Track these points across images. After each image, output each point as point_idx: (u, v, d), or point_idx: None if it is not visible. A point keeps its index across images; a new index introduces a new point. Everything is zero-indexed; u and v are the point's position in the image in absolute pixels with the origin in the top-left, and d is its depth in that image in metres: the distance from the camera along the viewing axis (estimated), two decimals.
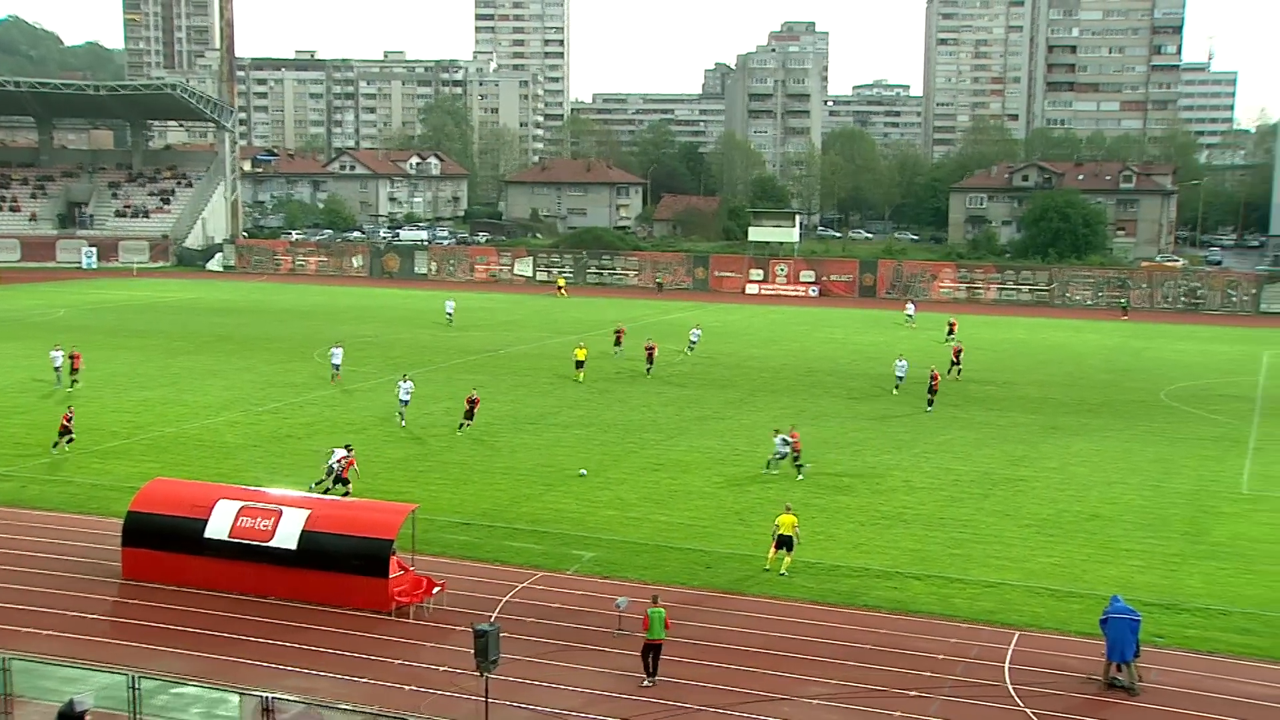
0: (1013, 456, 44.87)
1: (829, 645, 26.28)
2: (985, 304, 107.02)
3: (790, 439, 41.48)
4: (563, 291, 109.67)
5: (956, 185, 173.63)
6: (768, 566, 30.80)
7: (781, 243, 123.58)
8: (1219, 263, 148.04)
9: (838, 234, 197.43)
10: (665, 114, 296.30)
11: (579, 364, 60.23)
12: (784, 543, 30.60)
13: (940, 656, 25.66)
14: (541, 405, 53.31)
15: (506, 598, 28.83)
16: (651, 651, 24.20)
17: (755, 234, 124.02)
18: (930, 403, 53.30)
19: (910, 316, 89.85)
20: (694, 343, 70.51)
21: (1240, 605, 28.93)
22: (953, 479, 41.21)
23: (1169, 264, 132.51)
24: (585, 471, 40.75)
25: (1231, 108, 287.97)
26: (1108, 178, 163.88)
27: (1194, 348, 78.65)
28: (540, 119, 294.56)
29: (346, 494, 35.42)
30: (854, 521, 35.82)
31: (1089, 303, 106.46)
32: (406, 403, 48.63)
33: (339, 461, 36.82)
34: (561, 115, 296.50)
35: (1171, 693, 24.05)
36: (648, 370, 62.00)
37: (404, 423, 47.90)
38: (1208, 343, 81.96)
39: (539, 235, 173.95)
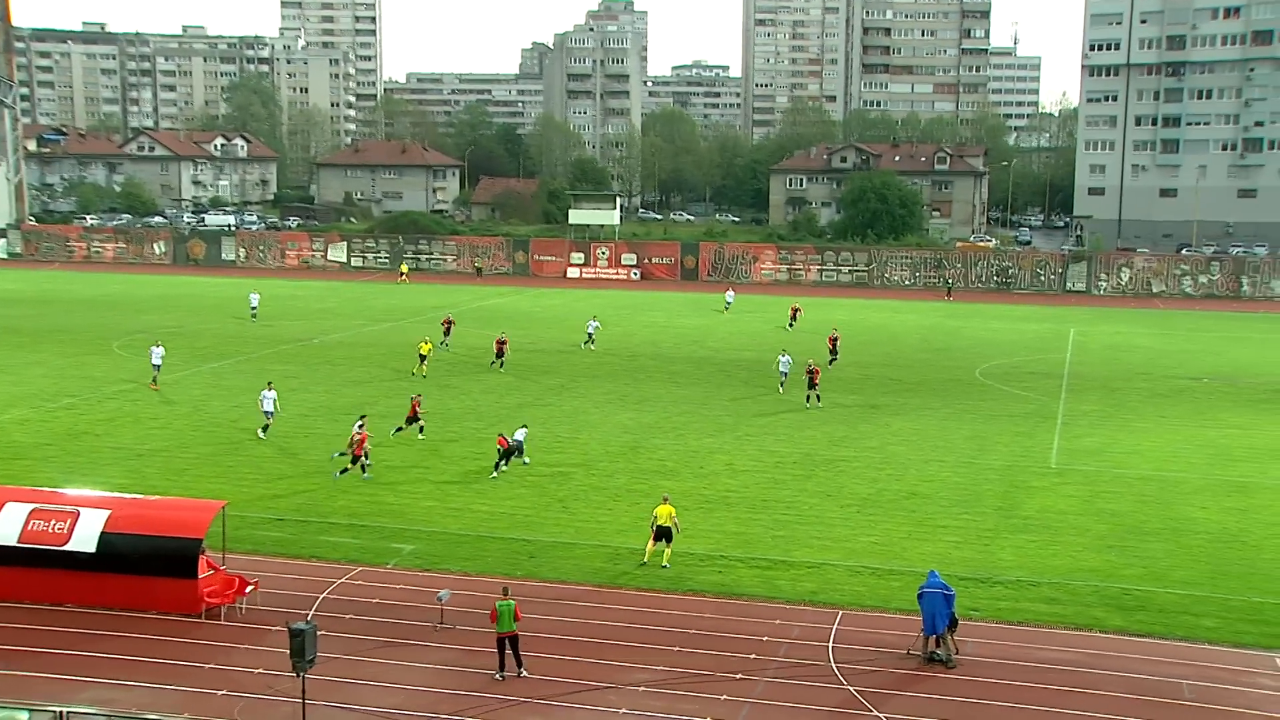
0: (834, 437, 46.20)
1: (654, 632, 26.64)
2: (806, 286, 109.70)
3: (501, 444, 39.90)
4: (405, 279, 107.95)
5: (776, 166, 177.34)
6: (645, 560, 30.84)
7: (602, 225, 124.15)
8: (1028, 243, 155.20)
9: (659, 216, 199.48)
10: (482, 94, 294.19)
11: (422, 358, 58.35)
12: (663, 534, 30.76)
13: (764, 639, 26.30)
14: (358, 395, 52.47)
15: (324, 595, 28.34)
16: (507, 643, 24.18)
17: (576, 217, 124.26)
18: (808, 398, 51.71)
19: (729, 304, 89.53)
20: (591, 335, 68.13)
21: (1048, 576, 30.48)
22: (775, 461, 42.21)
23: (982, 244, 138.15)
24: (528, 460, 40.57)
25: (1036, 91, 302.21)
26: (923, 159, 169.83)
27: (1006, 326, 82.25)
28: (352, 99, 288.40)
29: (365, 473, 38.16)
30: (678, 506, 36.24)
31: (907, 283, 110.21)
32: (271, 414, 44.61)
33: (354, 438, 38.30)
34: (374, 95, 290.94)
35: (985, 663, 25.20)
36: (497, 365, 59.60)
37: (264, 435, 44.04)
38: (1019, 321, 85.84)
39: (353, 220, 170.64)
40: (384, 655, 25.10)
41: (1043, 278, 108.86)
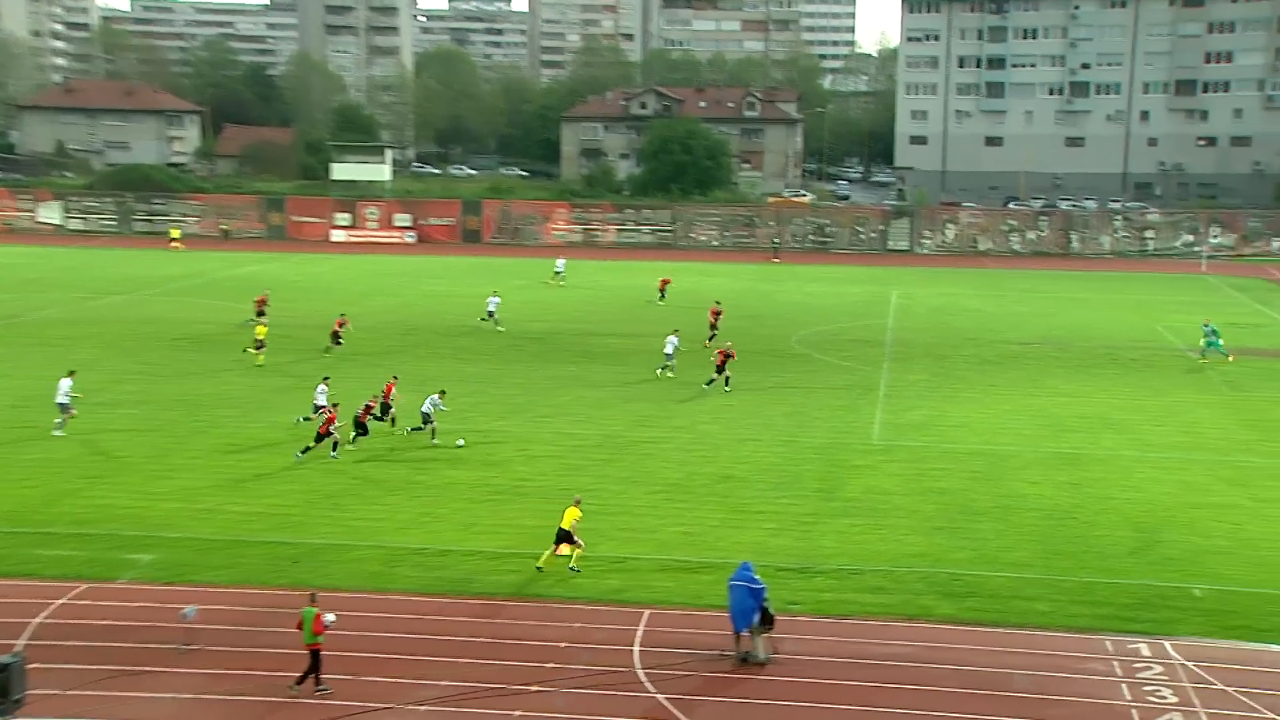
0: (639, 417, 46.71)
1: (439, 642, 26.49)
2: (604, 247, 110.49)
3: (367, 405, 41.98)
4: (177, 244, 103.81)
5: (568, 114, 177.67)
6: (540, 565, 30.64)
7: (371, 182, 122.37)
8: (847, 198, 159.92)
9: (437, 171, 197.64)
10: (224, 28, 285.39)
11: (259, 344, 55.98)
12: (564, 537, 30.65)
13: (564, 644, 26.45)
14: (82, 381, 50.34)
15: (38, 619, 27.20)
16: (312, 658, 23.76)
17: (340, 172, 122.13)
18: (711, 381, 51.59)
19: (559, 273, 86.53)
20: (493, 312, 66.52)
21: (872, 563, 31.54)
22: (574, 445, 42.43)
23: (797, 199, 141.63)
24: (462, 441, 41.64)
25: (853, 30, 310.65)
26: (731, 105, 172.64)
27: (824, 289, 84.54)
28: (59, 28, 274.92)
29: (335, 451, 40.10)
30: (464, 499, 36.21)
31: (715, 243, 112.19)
32: (66, 406, 43.33)
33: (432, 407, 42.01)
34: (88, 25, 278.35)
35: (805, 661, 25.93)
36: (331, 347, 58.60)
37: (61, 432, 42.65)
38: (838, 283, 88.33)
39: (68, 174, 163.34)
40: (116, 686, 24.26)
41: (863, 236, 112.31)
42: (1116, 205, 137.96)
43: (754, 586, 25.74)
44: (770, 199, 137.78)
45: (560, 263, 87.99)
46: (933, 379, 54.80)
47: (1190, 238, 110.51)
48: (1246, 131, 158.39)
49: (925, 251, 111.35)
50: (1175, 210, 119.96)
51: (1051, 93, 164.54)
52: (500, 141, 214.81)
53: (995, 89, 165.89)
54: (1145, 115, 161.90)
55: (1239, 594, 29.73)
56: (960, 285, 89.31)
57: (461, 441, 42.00)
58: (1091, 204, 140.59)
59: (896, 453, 42.38)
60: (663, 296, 77.53)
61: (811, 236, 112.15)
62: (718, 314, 64.44)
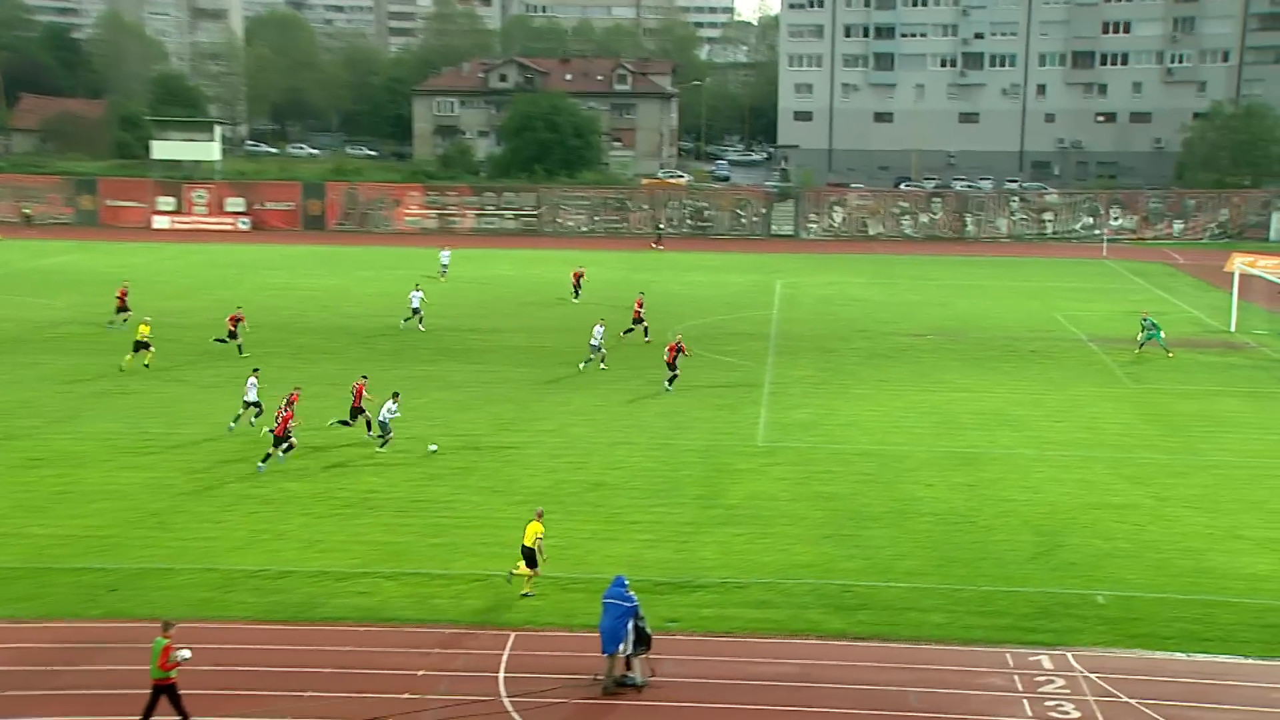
0: (501, 419, 46.63)
1: (280, 674, 26.17)
2: (462, 234, 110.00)
3: None
4: (27, 213, 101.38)
5: (420, 87, 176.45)
6: (510, 573, 30.71)
7: (199, 162, 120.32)
8: (727, 178, 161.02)
9: (274, 150, 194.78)
10: None
11: (142, 345, 54.48)
12: (527, 555, 30.43)
13: (421, 673, 26.31)
14: None
15: None
16: (162, 694, 23.06)
17: (162, 150, 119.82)
18: (673, 379, 52.08)
19: (445, 266, 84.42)
20: (417, 309, 65.19)
21: (757, 575, 31.89)
22: (429, 453, 42.23)
23: (673, 181, 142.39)
24: (435, 447, 42.10)
25: None
26: (600, 77, 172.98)
27: (703, 279, 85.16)
28: None
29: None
30: (307, 514, 35.82)
31: (585, 229, 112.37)
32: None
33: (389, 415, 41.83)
34: None
35: (685, 684, 26.10)
36: (224, 341, 57.86)
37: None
38: (717, 272, 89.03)
39: None
40: None
41: (744, 220, 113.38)
42: (1013, 185, 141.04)
43: (626, 603, 25.83)
44: (644, 180, 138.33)
45: (445, 254, 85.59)
46: (820, 374, 55.55)
47: (1090, 220, 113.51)
48: (1146, 107, 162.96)
49: (811, 236, 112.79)
50: (1074, 191, 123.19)
51: (944, 64, 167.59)
52: (344, 118, 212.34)
53: (884, 60, 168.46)
54: (1042, 89, 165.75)
55: (1142, 600, 30.63)
56: (849, 273, 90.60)
57: (434, 447, 42.17)
58: (987, 184, 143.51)
59: (782, 455, 42.88)
60: (577, 294, 75.25)
61: (689, 221, 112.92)
62: (641, 305, 64.38)
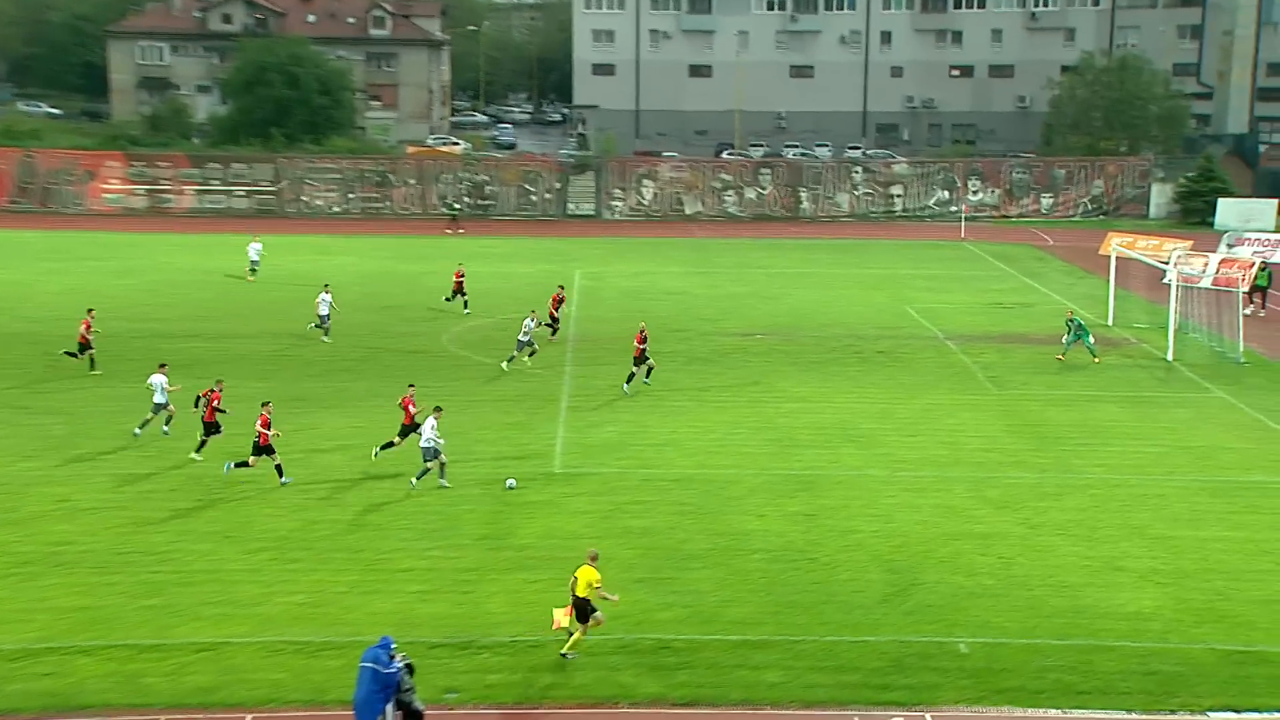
0: (233, 447, 45.72)
1: None
2: (179, 217, 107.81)
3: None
4: None
5: (115, 28, 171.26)
6: (554, 629, 30.54)
7: None
8: (512, 146, 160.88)
9: None
10: None
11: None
12: (579, 608, 29.95)
13: None
14: None
15: None
16: None
17: None
18: (632, 377, 54.44)
19: (255, 263, 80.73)
20: (326, 315, 63.61)
21: (555, 631, 31.73)
22: (140, 491, 41.43)
23: (445, 149, 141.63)
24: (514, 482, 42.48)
25: None
26: (351, 20, 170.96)
27: (486, 269, 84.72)
28: None
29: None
30: None
31: (336, 209, 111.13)
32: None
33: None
34: None
35: None
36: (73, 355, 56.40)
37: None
38: (503, 261, 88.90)
39: None
40: None
41: (534, 197, 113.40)
42: (856, 153, 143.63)
43: (384, 670, 25.48)
44: (410, 149, 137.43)
45: (255, 248, 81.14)
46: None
47: (945, 195, 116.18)
48: (1007, 59, 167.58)
49: (616, 217, 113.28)
50: (927, 160, 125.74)
51: (771, 7, 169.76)
52: (14, 65, 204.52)
53: (700, 3, 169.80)
54: (886, 38, 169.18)
55: (1010, 647, 31.30)
56: (662, 260, 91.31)
57: (512, 482, 42.11)
58: (825, 152, 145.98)
59: (584, 483, 42.93)
60: (455, 295, 72.06)
61: (467, 199, 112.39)
62: (560, 301, 65.28)
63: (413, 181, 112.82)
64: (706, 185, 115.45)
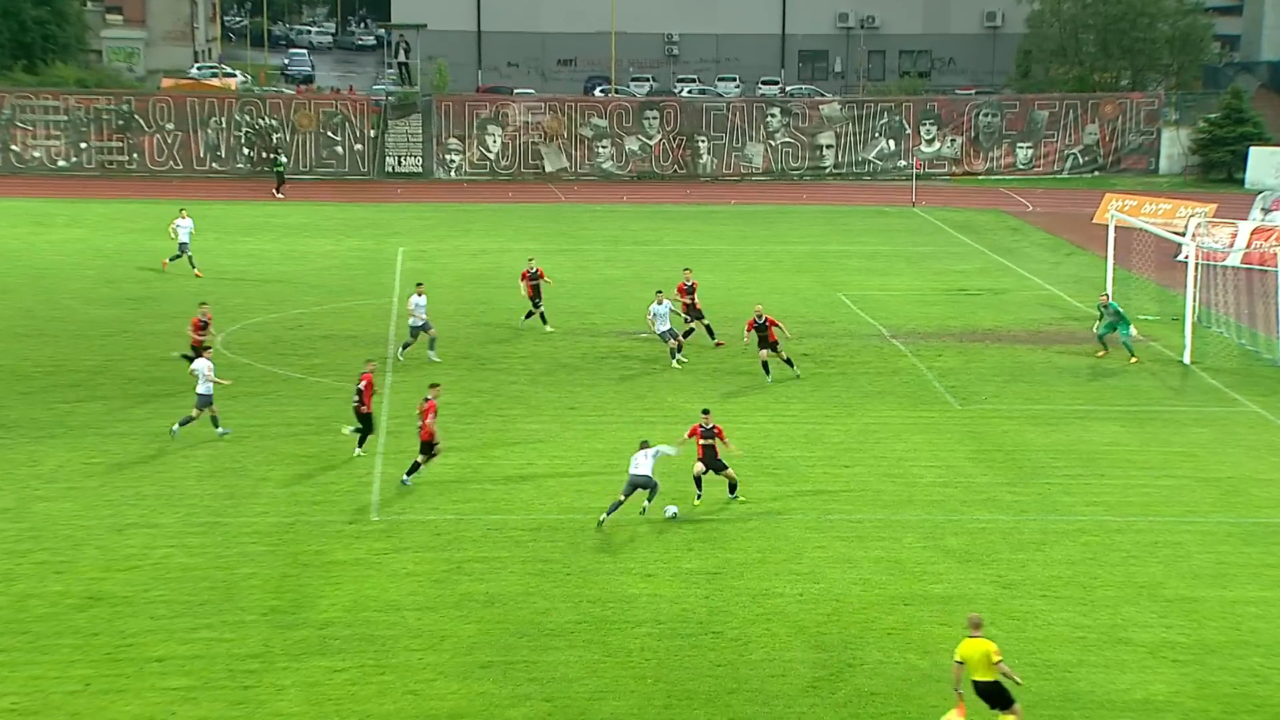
0: None
1: None
2: None
3: None
4: None
5: None
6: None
7: None
8: (310, 79, 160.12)
9: None
10: None
11: None
12: (988, 695, 30.41)
13: None
14: None
15: None
16: None
17: None
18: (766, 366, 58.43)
19: (185, 245, 79.40)
20: (419, 329, 62.98)
21: None
22: None
23: (216, 82, 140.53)
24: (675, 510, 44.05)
25: None
26: None
27: (269, 246, 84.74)
28: None
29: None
30: None
31: (63, 163, 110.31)
32: None
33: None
34: None
35: None
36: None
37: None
38: (294, 235, 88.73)
39: None
40: None
41: (339, 148, 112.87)
42: (773, 90, 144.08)
43: None
44: (166, 81, 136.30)
45: (184, 224, 79.39)
46: (471, 401, 55.66)
47: (890, 145, 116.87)
48: None
49: (451, 175, 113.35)
50: (866, 99, 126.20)
51: None
52: None
53: None
54: None
55: None
56: (513, 235, 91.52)
57: (673, 510, 43.44)
58: (731, 88, 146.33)
59: (410, 534, 42.70)
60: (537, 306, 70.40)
61: (246, 151, 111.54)
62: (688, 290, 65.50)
63: (170, 127, 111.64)
64: (573, 133, 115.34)
